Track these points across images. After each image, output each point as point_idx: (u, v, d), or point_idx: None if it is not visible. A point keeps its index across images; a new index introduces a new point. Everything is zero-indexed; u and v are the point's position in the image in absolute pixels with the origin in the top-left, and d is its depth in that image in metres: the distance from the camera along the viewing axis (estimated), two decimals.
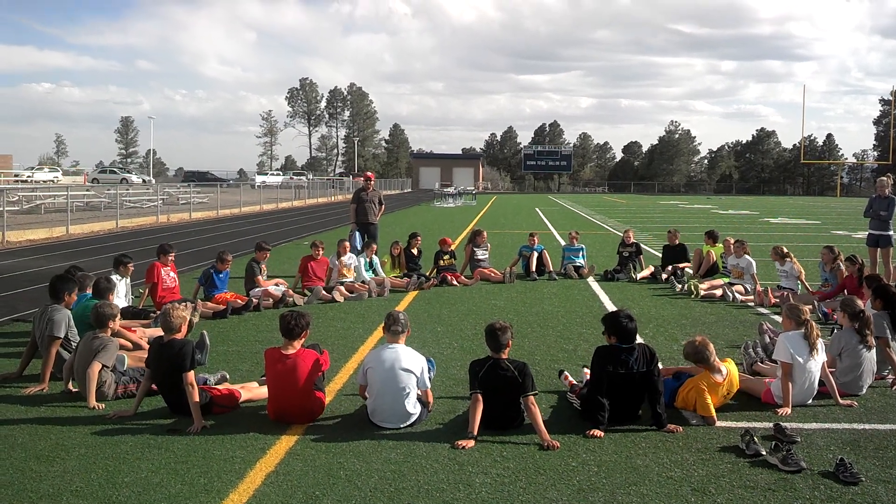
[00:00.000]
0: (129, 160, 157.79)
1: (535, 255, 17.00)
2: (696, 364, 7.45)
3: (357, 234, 17.46)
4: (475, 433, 6.59)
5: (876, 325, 8.36)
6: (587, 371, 7.87)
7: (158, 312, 10.84)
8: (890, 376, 8.50)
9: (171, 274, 12.58)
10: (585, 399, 7.22)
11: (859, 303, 8.47)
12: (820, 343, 7.73)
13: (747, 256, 14.73)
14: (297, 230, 32.23)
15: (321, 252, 14.71)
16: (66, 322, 8.44)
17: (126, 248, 22.95)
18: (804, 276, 14.16)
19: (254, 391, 7.68)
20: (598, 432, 6.77)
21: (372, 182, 18.50)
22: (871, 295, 9.24)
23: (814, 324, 7.80)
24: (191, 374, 6.98)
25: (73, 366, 7.91)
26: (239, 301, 12.61)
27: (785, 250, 14.22)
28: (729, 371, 7.49)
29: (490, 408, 6.78)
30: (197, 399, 6.93)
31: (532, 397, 6.72)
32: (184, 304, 8.28)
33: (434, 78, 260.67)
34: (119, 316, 8.37)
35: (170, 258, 12.66)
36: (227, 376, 8.24)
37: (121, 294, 11.21)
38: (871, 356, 8.12)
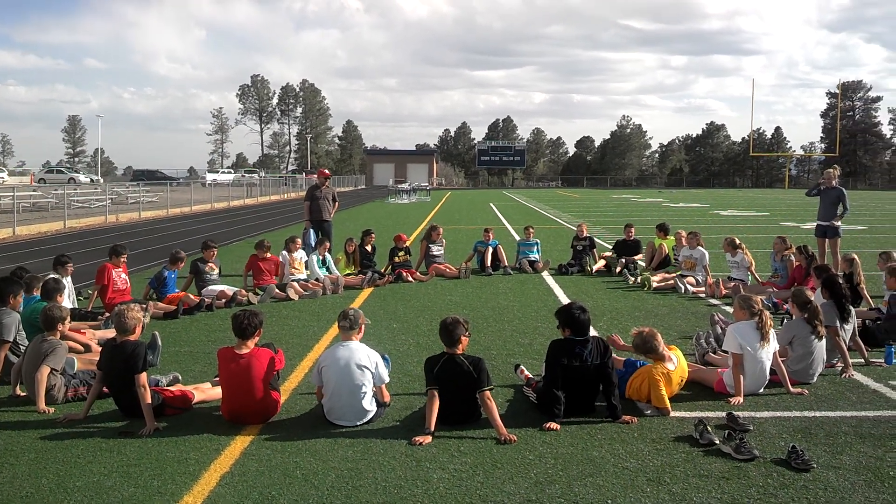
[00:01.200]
0: (76, 160, 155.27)
1: (490, 250, 17.04)
2: (646, 355, 7.51)
3: (311, 231, 17.34)
4: (432, 429, 6.58)
5: (825, 315, 8.50)
6: None
7: (108, 314, 10.69)
8: (839, 364, 8.64)
9: (123, 275, 12.39)
10: (541, 392, 7.24)
11: (809, 293, 8.62)
12: (772, 333, 7.83)
13: (700, 248, 14.93)
14: (249, 228, 31.93)
15: (268, 253, 14.54)
16: (16, 325, 8.27)
17: (74, 248, 22.56)
18: (754, 267, 14.37)
19: (207, 392, 7.59)
20: (554, 425, 6.80)
21: (328, 179, 18.39)
22: (820, 285, 9.38)
23: (767, 314, 7.88)
24: (143, 376, 6.86)
25: (21, 370, 7.73)
26: (191, 297, 12.45)
27: (737, 241, 14.43)
28: (678, 357, 7.58)
29: (446, 403, 6.77)
30: (149, 401, 6.82)
31: (488, 392, 6.72)
32: (136, 305, 8.12)
33: (387, 74, 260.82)
34: (69, 318, 8.20)
35: (122, 259, 12.47)
36: (180, 377, 8.13)
37: (65, 295, 11.01)
38: (821, 345, 8.25)
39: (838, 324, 8.71)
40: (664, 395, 7.21)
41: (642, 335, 7.51)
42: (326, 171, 18.89)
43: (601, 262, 17.05)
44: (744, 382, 7.63)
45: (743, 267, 14.12)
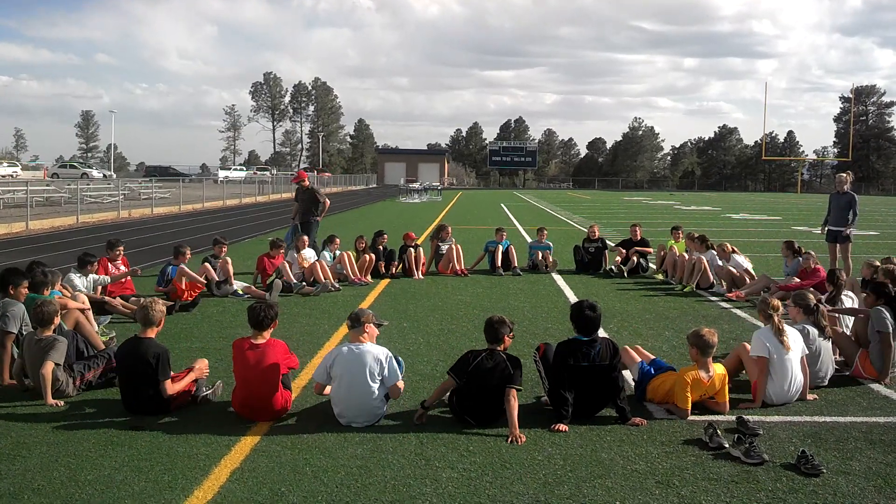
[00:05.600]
0: (89, 155, 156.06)
1: (501, 249, 17.05)
2: (694, 348, 7.32)
3: (291, 231, 17.59)
4: (428, 405, 7.00)
5: (878, 321, 8.42)
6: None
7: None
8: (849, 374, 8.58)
9: (122, 268, 12.46)
10: (549, 394, 7.25)
11: (810, 297, 8.53)
12: (793, 337, 7.74)
13: (711, 250, 14.97)
14: (261, 226, 31.98)
15: (281, 250, 14.65)
16: (20, 317, 8.23)
17: (87, 243, 22.65)
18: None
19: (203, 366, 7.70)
20: (563, 427, 6.81)
21: (305, 181, 18.43)
22: (869, 292, 9.13)
23: (781, 319, 7.79)
24: (168, 384, 7.07)
25: (25, 368, 7.76)
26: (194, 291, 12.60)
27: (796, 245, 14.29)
28: (715, 374, 7.31)
29: (477, 399, 6.85)
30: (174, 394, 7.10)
31: (515, 391, 6.79)
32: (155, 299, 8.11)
33: (399, 73, 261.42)
34: (59, 312, 8.15)
35: (116, 252, 12.56)
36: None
37: (83, 289, 11.06)
38: (828, 347, 8.19)
39: (892, 329, 8.50)
40: (689, 397, 7.17)
41: (702, 331, 7.35)
42: (302, 173, 19.00)
43: (618, 258, 17.17)
44: (773, 390, 7.55)
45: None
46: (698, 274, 14.63)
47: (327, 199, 18.34)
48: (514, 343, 9.99)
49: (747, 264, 14.56)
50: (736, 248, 14.98)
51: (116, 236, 13.18)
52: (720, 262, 14.58)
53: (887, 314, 8.54)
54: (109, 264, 12.33)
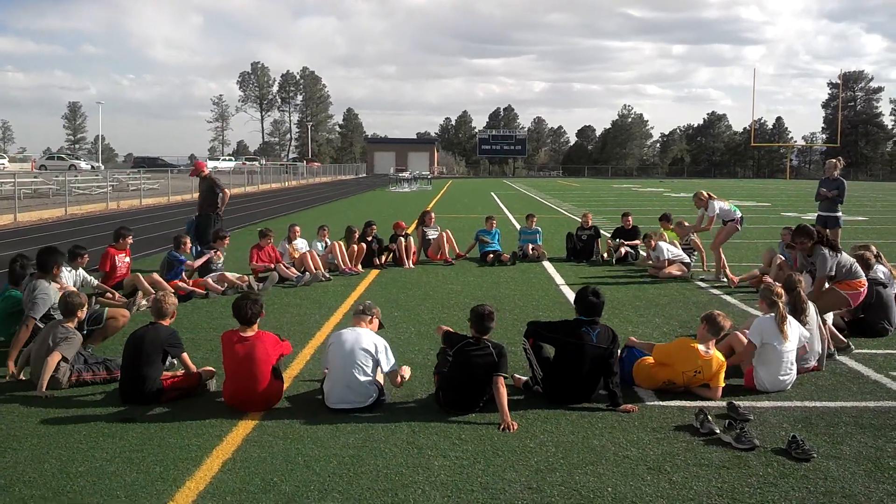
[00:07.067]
0: (77, 146, 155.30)
1: (491, 242, 17.07)
2: (705, 324, 7.55)
3: (189, 225, 17.14)
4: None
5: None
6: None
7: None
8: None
9: (126, 259, 12.34)
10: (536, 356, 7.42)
11: (798, 280, 8.55)
12: (793, 328, 7.75)
13: (661, 244, 15.02)
14: (249, 216, 31.88)
15: (270, 240, 14.55)
16: (47, 303, 8.39)
17: (76, 235, 22.58)
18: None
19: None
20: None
21: (204, 170, 17.48)
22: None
23: (783, 307, 7.80)
24: (184, 356, 7.40)
25: (32, 353, 7.75)
26: (196, 290, 12.45)
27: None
28: (713, 359, 7.37)
29: (460, 387, 6.87)
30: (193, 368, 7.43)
31: (502, 378, 6.81)
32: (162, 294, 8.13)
33: (387, 61, 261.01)
34: (86, 305, 8.24)
35: (127, 242, 12.40)
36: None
37: (70, 284, 10.99)
38: (815, 334, 8.20)
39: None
40: (670, 354, 7.38)
41: (716, 312, 7.66)
42: (200, 163, 18.15)
43: (607, 249, 17.15)
44: (768, 378, 7.55)
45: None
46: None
47: (227, 190, 17.15)
48: (505, 331, 10.06)
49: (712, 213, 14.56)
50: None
51: (126, 227, 12.84)
52: (671, 253, 14.85)
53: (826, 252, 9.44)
54: (116, 256, 12.16)
